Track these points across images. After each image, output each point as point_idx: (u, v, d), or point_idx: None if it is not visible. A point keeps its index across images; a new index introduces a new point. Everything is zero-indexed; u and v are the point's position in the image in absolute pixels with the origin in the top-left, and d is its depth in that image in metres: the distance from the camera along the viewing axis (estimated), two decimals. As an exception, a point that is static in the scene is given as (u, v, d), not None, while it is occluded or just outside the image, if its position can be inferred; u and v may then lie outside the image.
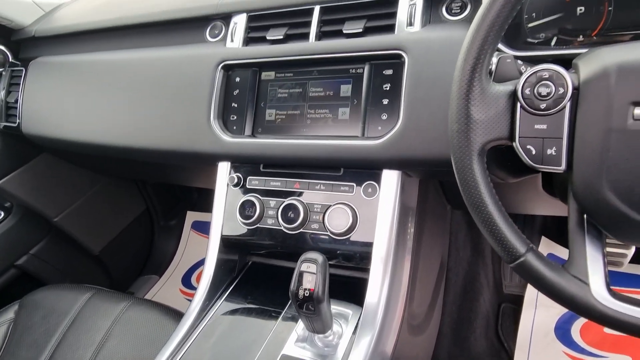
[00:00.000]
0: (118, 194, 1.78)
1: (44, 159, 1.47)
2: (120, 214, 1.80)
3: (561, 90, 0.55)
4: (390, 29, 0.87)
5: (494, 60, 0.65)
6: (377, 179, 0.86)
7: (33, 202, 1.45)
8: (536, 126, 0.57)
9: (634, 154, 0.51)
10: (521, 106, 0.57)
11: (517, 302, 1.50)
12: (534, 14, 0.84)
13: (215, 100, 0.98)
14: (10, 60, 1.38)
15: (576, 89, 0.56)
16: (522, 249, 0.57)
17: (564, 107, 0.56)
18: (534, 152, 0.58)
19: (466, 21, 0.85)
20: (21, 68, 1.34)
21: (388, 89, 0.86)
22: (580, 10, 0.81)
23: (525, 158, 0.58)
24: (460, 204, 1.03)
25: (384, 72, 0.87)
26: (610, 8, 0.79)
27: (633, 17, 0.78)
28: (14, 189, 1.40)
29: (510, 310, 1.52)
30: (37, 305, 1.18)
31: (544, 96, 0.56)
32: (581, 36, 0.82)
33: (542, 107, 0.56)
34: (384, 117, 0.86)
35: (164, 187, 1.93)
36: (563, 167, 0.57)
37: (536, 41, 0.85)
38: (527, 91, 0.57)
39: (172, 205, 2.02)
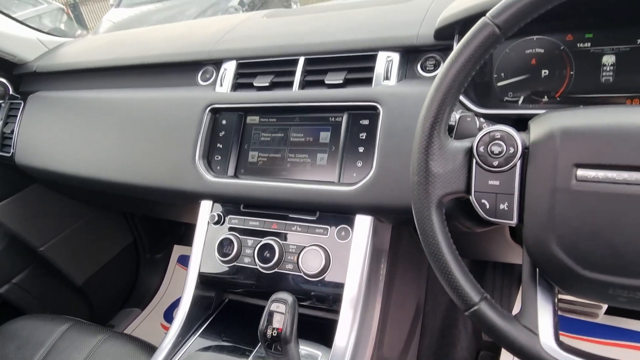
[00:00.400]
0: (106, 226, 1.80)
1: (35, 190, 1.50)
2: (106, 245, 1.81)
3: (512, 150, 0.60)
4: (368, 81, 0.93)
5: (456, 117, 0.70)
6: (351, 223, 0.90)
7: (20, 231, 1.46)
8: (490, 182, 0.61)
9: (578, 212, 0.55)
10: (476, 162, 0.62)
11: (495, 350, 1.51)
12: (502, 74, 0.90)
13: (201, 140, 1.03)
14: (11, 93, 1.43)
15: (527, 149, 0.60)
16: (476, 297, 0.60)
17: (515, 165, 0.60)
18: (488, 206, 0.61)
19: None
20: (20, 101, 1.39)
21: (364, 138, 0.91)
22: (545, 73, 0.87)
23: (480, 211, 0.62)
24: None
25: (360, 121, 0.92)
26: (572, 72, 0.85)
27: (593, 82, 0.84)
28: (2, 217, 1.42)
29: (488, 358, 1.51)
30: (13, 335, 1.18)
31: (497, 154, 0.60)
32: (546, 97, 0.88)
33: (495, 165, 0.60)
34: (359, 164, 0.90)
35: (152, 221, 1.95)
36: (515, 221, 0.61)
37: (505, 99, 0.91)
38: (481, 149, 0.61)
39: (160, 238, 2.04)
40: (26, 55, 1.44)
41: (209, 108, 1.04)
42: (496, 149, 0.60)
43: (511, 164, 0.60)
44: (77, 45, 1.47)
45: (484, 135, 0.61)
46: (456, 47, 0.60)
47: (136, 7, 6.40)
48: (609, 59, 0.83)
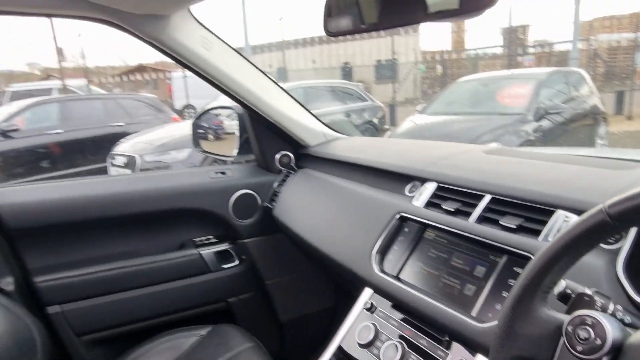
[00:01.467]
0: (318, 284, 2.13)
1: (280, 237, 1.96)
2: (313, 299, 2.14)
3: (598, 341, 0.56)
4: (536, 233, 0.94)
5: (577, 291, 0.67)
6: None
7: (260, 263, 1.93)
8: None
9: None
10: (563, 340, 0.60)
11: None
12: None
13: (383, 238, 1.21)
14: (291, 164, 1.96)
15: (619, 347, 0.55)
16: None
17: (599, 359, 0.56)
18: None
19: (613, 253, 0.84)
20: (294, 171, 1.90)
21: (512, 284, 0.91)
22: None
23: (552, 389, 0.59)
24: None
25: (514, 268, 0.93)
26: None
27: None
28: (253, 248, 1.92)
29: None
30: (219, 336, 1.57)
31: (582, 340, 0.58)
32: None
33: (579, 350, 0.58)
34: (498, 307, 0.91)
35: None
36: None
37: None
38: (569, 328, 0.60)
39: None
40: (310, 141, 1.95)
41: (399, 215, 1.23)
42: (583, 334, 0.58)
43: (595, 355, 0.56)
44: (344, 142, 1.91)
45: (576, 316, 0.60)
46: (570, 224, 0.63)
47: (436, 116, 7.23)
48: None
